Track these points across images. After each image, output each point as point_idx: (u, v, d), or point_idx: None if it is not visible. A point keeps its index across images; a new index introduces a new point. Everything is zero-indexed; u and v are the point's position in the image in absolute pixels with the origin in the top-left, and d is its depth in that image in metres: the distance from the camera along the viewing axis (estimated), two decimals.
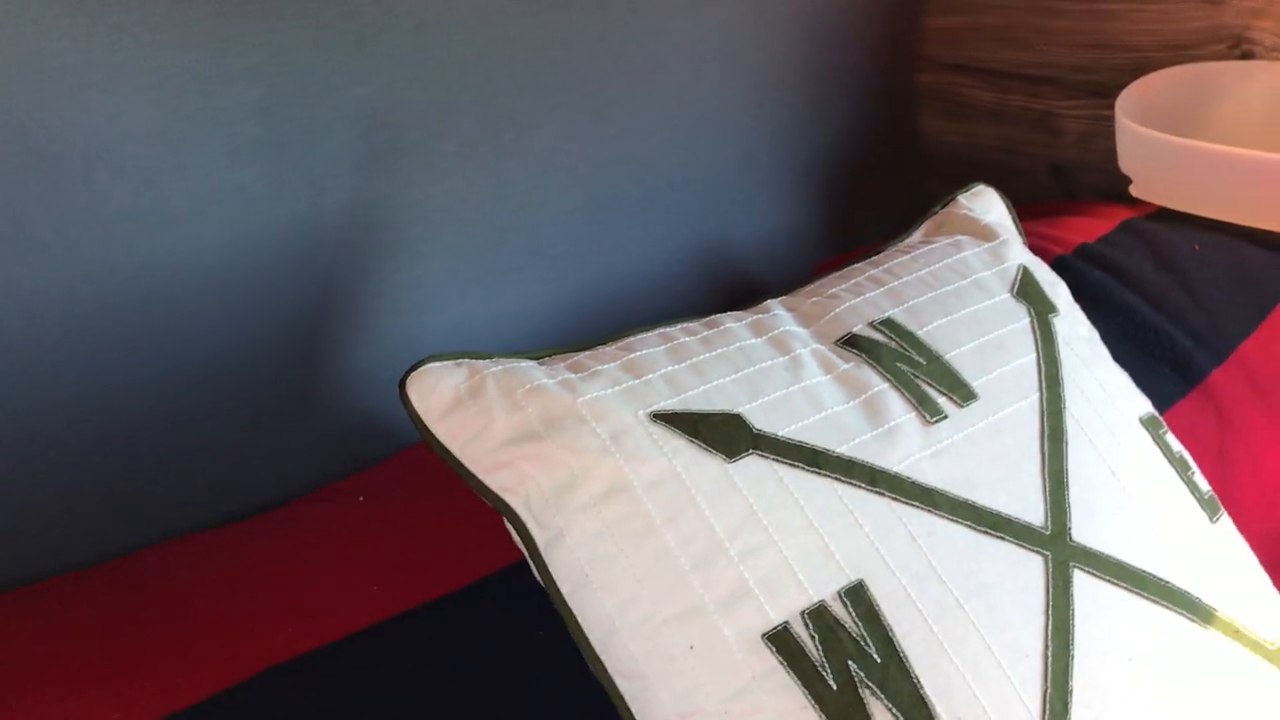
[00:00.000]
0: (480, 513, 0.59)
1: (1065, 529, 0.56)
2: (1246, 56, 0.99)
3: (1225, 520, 0.64)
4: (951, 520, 0.54)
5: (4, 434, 0.66)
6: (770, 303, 0.65)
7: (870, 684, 0.49)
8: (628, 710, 0.52)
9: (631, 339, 0.59)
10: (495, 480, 0.54)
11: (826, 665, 0.49)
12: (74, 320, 0.67)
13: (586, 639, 0.52)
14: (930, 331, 0.62)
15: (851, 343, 0.61)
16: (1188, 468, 0.64)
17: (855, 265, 0.69)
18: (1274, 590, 0.64)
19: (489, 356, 0.57)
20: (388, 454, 0.78)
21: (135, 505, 0.72)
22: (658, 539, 0.51)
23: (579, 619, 0.53)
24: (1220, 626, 0.57)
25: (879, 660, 0.49)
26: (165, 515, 0.73)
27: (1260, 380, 0.85)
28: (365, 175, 0.80)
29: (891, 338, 0.61)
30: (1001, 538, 0.54)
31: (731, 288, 1.09)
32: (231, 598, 0.60)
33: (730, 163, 1.05)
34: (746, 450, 0.53)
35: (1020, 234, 0.75)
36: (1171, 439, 0.65)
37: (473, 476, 0.54)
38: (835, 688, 0.48)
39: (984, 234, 0.71)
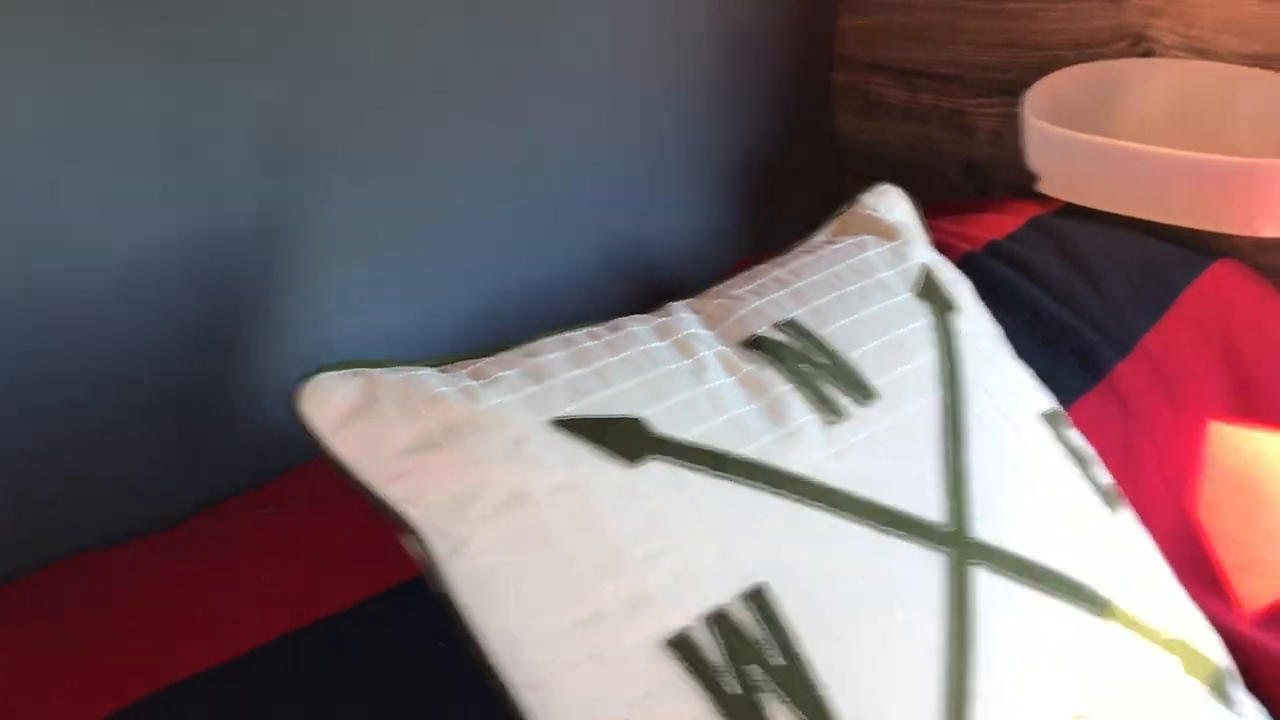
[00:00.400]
0: (386, 523, 0.58)
1: (965, 526, 0.56)
2: (1147, 54, 1.01)
3: (1125, 513, 0.65)
4: (853, 520, 0.54)
5: None
6: (675, 305, 0.65)
7: (772, 687, 0.49)
8: None
9: (534, 344, 0.59)
10: (394, 492, 0.53)
11: (728, 670, 0.49)
12: None
13: (487, 651, 0.52)
14: (833, 332, 0.62)
15: (755, 344, 0.61)
16: (1088, 462, 0.65)
17: (761, 266, 0.69)
18: (1173, 581, 0.65)
19: (387, 365, 0.56)
20: (301, 462, 0.77)
21: (30, 524, 0.70)
22: (558, 547, 0.51)
23: (480, 631, 0.52)
24: (1119, 618, 0.58)
25: (781, 663, 0.49)
26: (63, 535, 0.71)
27: (1164, 372, 0.86)
28: (272, 180, 0.78)
29: (794, 339, 0.61)
30: (903, 536, 0.55)
31: (650, 290, 1.08)
32: (127, 618, 0.59)
33: (646, 164, 1.05)
34: (648, 455, 0.53)
35: (925, 233, 0.76)
36: (1073, 433, 0.66)
37: (370, 490, 0.53)
38: (736, 692, 0.48)
39: (888, 233, 0.71)
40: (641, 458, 0.53)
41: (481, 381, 0.55)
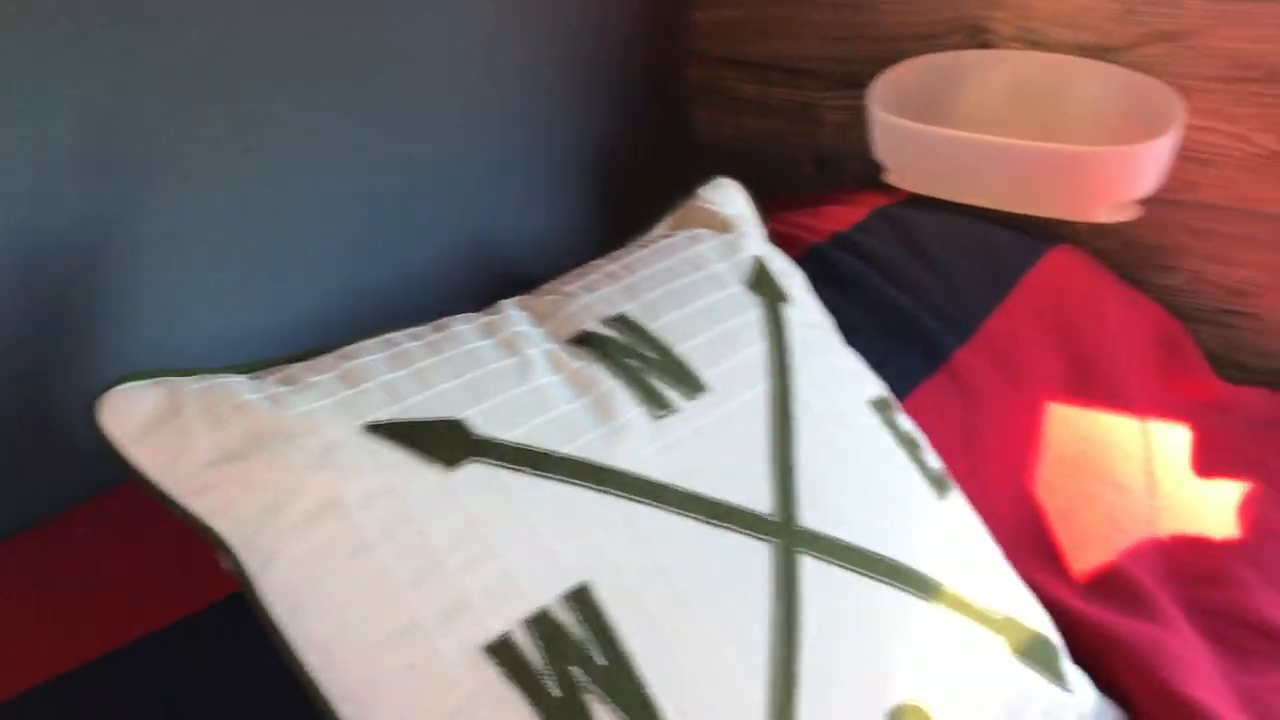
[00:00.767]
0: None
1: (793, 515, 0.56)
2: (985, 45, 1.03)
3: (955, 496, 0.66)
4: (680, 514, 0.54)
5: None
6: (505, 303, 0.64)
7: (594, 688, 0.48)
8: None
9: (351, 347, 0.57)
10: (199, 504, 0.51)
11: (548, 673, 0.48)
12: None
13: (303, 665, 0.50)
14: (663, 326, 0.62)
15: (584, 340, 0.60)
16: (917, 446, 0.65)
17: (595, 262, 0.69)
18: (1003, 561, 0.66)
19: (193, 373, 0.54)
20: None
21: None
22: (373, 556, 0.49)
23: (295, 645, 0.50)
24: (948, 601, 0.59)
25: (604, 663, 0.49)
26: None
27: (1004, 356, 0.88)
28: (98, 183, 0.75)
29: (623, 334, 0.60)
30: (729, 528, 0.55)
31: (507, 291, 1.07)
32: None
33: (495, 160, 1.04)
34: (467, 457, 0.52)
35: (761, 225, 0.76)
36: (902, 419, 0.66)
37: (175, 502, 0.51)
38: (558, 695, 0.48)
39: (722, 226, 0.71)
40: (460, 461, 0.51)
41: (292, 388, 0.53)
